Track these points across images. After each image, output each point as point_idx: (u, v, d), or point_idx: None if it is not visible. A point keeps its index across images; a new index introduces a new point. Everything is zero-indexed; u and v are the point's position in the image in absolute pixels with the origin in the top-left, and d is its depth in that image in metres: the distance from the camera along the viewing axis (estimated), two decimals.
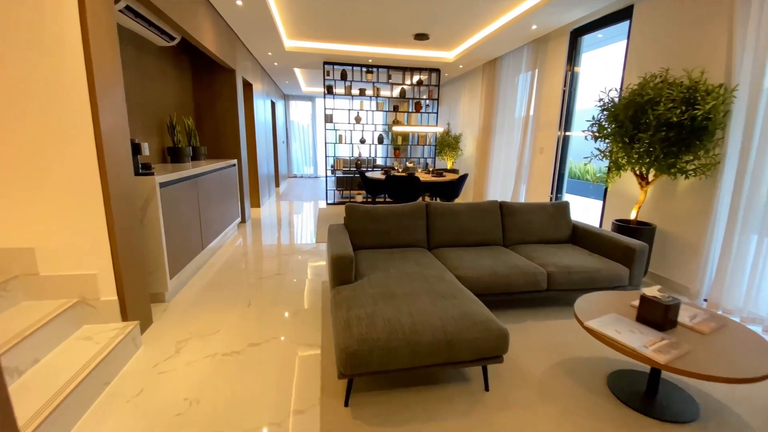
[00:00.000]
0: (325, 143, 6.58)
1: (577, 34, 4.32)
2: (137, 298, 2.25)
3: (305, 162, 11.84)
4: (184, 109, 4.44)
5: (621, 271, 2.61)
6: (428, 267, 2.38)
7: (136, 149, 2.52)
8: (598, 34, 4.47)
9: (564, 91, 4.51)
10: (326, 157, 6.66)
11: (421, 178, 4.92)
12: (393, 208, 2.86)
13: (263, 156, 6.72)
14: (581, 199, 8.32)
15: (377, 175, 5.32)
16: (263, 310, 2.63)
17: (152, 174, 2.54)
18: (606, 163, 3.42)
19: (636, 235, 3.08)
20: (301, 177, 11.77)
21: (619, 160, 3.02)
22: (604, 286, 2.60)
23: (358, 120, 6.65)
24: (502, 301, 2.80)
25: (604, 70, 5.21)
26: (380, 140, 6.83)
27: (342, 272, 2.15)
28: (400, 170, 5.39)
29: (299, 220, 5.47)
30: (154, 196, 2.54)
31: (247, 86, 5.97)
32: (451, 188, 5.15)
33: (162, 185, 2.62)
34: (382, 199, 7.12)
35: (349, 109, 6.63)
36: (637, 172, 3.10)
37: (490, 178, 6.16)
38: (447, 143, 6.96)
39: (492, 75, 6.00)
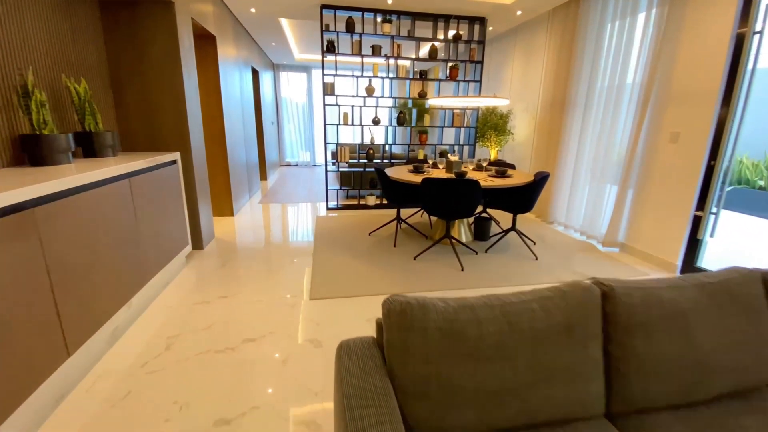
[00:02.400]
0: (324, 124, 4.67)
1: None
2: None
3: (300, 146, 9.91)
4: (78, 66, 2.53)
5: None
6: None
7: None
8: None
9: (742, 37, 2.60)
10: (326, 144, 4.77)
11: (477, 179, 3.08)
12: (510, 311, 1.02)
13: (239, 143, 4.83)
14: (757, 220, 5.36)
15: (405, 174, 3.45)
16: None
17: None
18: None
19: None
20: (296, 165, 9.87)
21: None
22: None
23: (370, 91, 4.72)
24: None
25: None
26: (400, 121, 4.92)
27: None
28: (441, 166, 3.52)
29: (286, 242, 3.64)
30: None
31: (207, 40, 4.01)
32: (523, 196, 3.30)
33: None
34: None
35: (358, 76, 4.69)
36: None
37: (562, 177, 4.29)
38: (492, 124, 5.05)
39: (570, 23, 4.05)
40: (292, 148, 9.89)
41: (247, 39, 5.74)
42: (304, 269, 3.01)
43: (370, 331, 2.13)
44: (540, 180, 3.16)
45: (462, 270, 3.00)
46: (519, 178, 3.33)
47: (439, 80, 4.86)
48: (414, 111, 5.04)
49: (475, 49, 4.85)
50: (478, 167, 3.78)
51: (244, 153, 5.21)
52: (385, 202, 5.25)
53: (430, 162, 3.81)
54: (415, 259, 3.21)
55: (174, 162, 2.87)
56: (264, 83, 7.33)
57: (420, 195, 3.06)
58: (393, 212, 4.92)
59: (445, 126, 5.03)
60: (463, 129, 5.14)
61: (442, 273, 2.94)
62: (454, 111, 4.99)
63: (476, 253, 3.40)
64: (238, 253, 3.35)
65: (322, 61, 4.46)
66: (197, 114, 3.37)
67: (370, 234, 3.89)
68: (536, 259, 3.30)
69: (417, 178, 3.15)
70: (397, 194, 3.53)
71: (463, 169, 3.66)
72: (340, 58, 4.74)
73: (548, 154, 4.54)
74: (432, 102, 3.81)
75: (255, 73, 6.68)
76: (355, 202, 5.36)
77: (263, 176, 7.26)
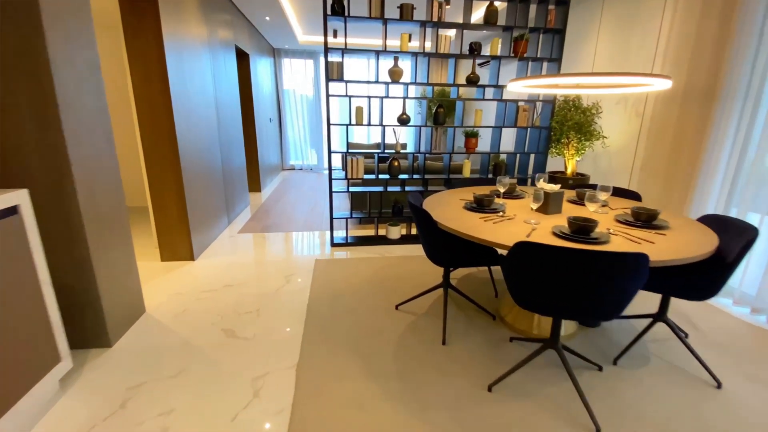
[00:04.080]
0: (328, 124, 3.16)
1: None
2: None
3: (307, 147, 8.42)
4: None
5: None
6: None
7: None
8: None
9: None
10: (329, 153, 3.25)
11: (642, 252, 1.54)
12: None
13: (207, 148, 3.36)
14: None
15: (466, 220, 1.92)
16: None
17: None
18: None
19: None
20: (301, 169, 8.41)
21: None
22: None
23: (395, 75, 3.18)
24: None
25: None
26: (438, 119, 3.36)
27: None
28: (533, 204, 1.97)
29: (258, 319, 2.15)
30: None
31: None
32: (707, 273, 1.72)
33: None
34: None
35: (378, 51, 3.15)
36: None
37: (701, 209, 2.68)
38: (573, 123, 3.45)
39: None
40: (297, 150, 8.42)
41: (227, 9, 4.25)
42: (277, 416, 1.51)
43: None
44: (745, 246, 1.57)
45: None
46: (691, 235, 1.75)
47: (498, 57, 3.28)
48: (459, 105, 3.46)
49: (554, 12, 3.24)
50: (591, 197, 2.20)
51: (218, 161, 3.75)
52: (413, 232, 3.72)
53: (501, 189, 2.25)
54: (490, 390, 1.68)
55: (11, 211, 1.40)
56: (259, 71, 5.86)
57: (508, 273, 1.52)
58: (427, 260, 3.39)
59: (504, 126, 3.44)
60: (529, 130, 3.55)
61: None
62: (519, 104, 3.40)
63: (599, 368, 1.84)
64: (169, 354, 1.88)
65: (326, 27, 2.93)
66: (88, 109, 1.89)
67: (397, 308, 2.37)
68: (718, 386, 1.73)
69: (501, 237, 1.62)
70: (450, 252, 1.99)
71: (585, 213, 2.08)
72: (352, 31, 3.19)
73: (670, 170, 2.93)
74: (514, 87, 2.22)
75: (244, 58, 5.21)
76: (371, 232, 3.85)
77: (255, 187, 5.81)
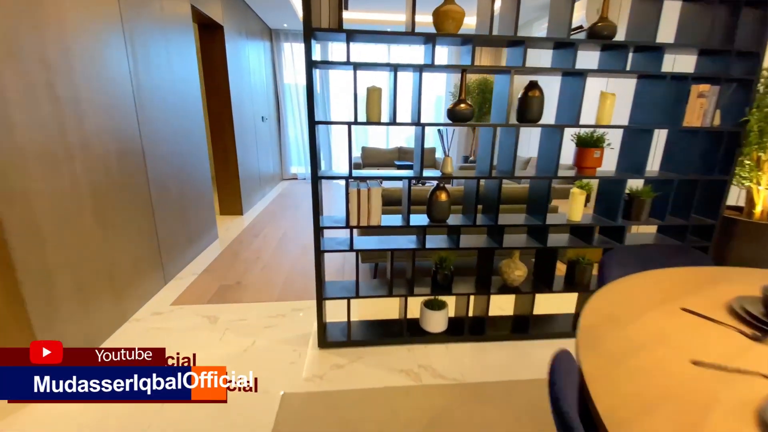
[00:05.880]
0: (312, 124, 1.59)
1: None
2: None
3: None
4: None
5: None
6: None
7: None
8: None
9: None
10: (315, 177, 1.68)
11: None
12: None
13: (123, 171, 1.81)
14: None
15: None
16: None
17: None
18: None
19: None
20: (304, 179, 6.89)
21: None
22: None
23: (446, 22, 1.55)
24: None
25: None
26: (527, 110, 1.73)
27: None
28: None
29: None
30: None
31: None
32: None
33: None
34: None
35: None
36: None
37: None
38: None
39: None
40: (301, 155, 6.91)
41: None
42: None
43: None
44: None
45: None
46: None
47: None
48: (574, 85, 1.77)
49: None
50: None
51: (143, 187, 2.22)
52: (472, 313, 2.09)
53: None
54: None
55: None
56: (243, 55, 4.36)
57: None
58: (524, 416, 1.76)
59: (659, 126, 1.77)
60: (700, 135, 1.85)
61: None
62: (693, 86, 1.72)
63: None
64: None
65: None
66: None
67: None
68: None
69: None
70: None
71: None
72: None
73: None
74: None
75: (212, 31, 3.71)
76: (392, 311, 2.23)
77: (233, 209, 4.29)
